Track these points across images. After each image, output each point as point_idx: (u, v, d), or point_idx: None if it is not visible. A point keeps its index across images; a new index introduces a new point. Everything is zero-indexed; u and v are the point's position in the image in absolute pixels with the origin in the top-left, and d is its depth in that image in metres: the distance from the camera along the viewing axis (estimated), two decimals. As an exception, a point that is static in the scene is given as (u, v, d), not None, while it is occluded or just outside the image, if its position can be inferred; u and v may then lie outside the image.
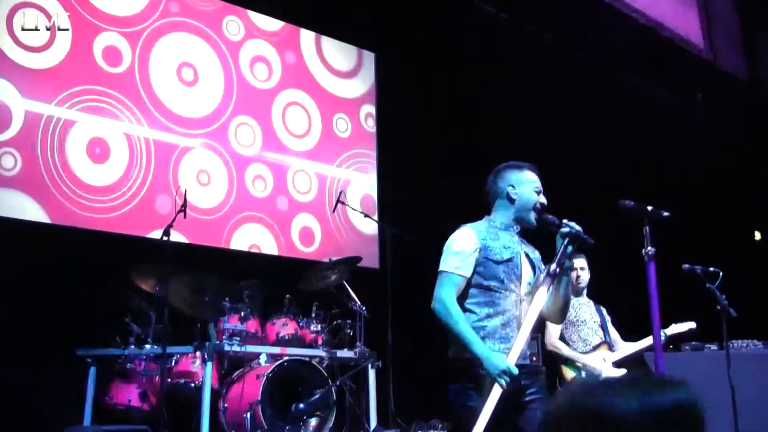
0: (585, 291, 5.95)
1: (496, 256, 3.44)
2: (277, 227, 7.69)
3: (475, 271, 3.44)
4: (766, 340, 6.36)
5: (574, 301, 5.82)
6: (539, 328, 5.84)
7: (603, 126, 9.03)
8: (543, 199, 3.56)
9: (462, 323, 3.30)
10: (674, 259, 5.13)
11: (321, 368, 5.82)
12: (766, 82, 9.73)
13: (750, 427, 5.14)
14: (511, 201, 3.55)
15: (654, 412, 1.13)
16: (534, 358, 6.46)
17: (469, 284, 3.44)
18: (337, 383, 5.85)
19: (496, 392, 3.14)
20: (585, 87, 8.60)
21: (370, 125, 8.70)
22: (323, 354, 6.04)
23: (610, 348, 5.83)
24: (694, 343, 6.13)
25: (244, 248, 7.36)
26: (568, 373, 5.76)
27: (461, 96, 8.75)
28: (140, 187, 6.78)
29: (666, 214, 3.38)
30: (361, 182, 8.46)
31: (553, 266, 3.27)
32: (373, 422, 6.17)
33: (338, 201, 7.06)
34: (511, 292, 3.45)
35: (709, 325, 5.65)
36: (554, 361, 5.81)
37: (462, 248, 3.45)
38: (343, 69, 8.68)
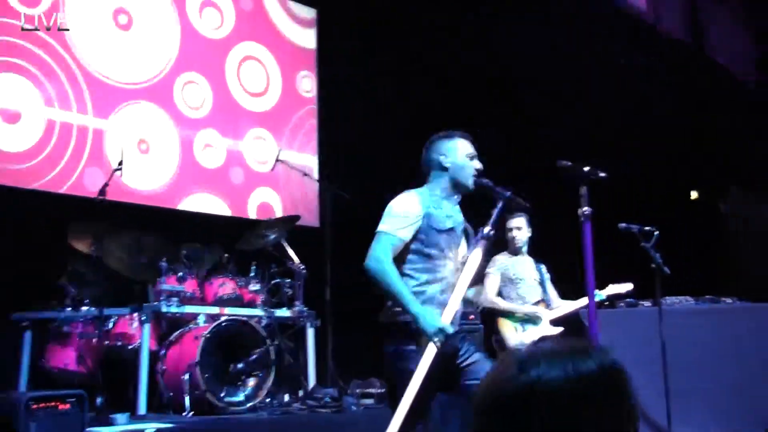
0: (525, 249, 6.08)
1: (439, 224, 3.52)
2: (230, 202, 7.62)
3: (416, 238, 3.49)
4: (699, 296, 6.65)
5: (513, 259, 6.00)
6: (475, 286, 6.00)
7: (542, 87, 9.17)
8: (477, 164, 3.62)
9: (398, 281, 3.36)
10: (613, 218, 5.32)
11: (260, 328, 5.87)
12: (708, 45, 9.97)
13: (680, 380, 5.40)
14: (444, 169, 3.62)
15: (582, 378, 1.17)
16: (472, 317, 6.70)
17: (407, 250, 3.49)
18: (276, 343, 5.92)
19: (430, 352, 3.22)
20: (525, 48, 8.70)
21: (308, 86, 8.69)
22: (262, 314, 6.10)
23: (548, 306, 5.99)
24: (628, 299, 6.36)
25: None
26: (506, 327, 5.89)
27: (406, 58, 8.77)
28: (63, 152, 6.43)
29: (603, 174, 3.48)
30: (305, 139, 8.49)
31: (487, 228, 3.37)
32: (312, 381, 6.28)
33: (277, 159, 7.09)
34: (450, 261, 3.55)
35: (644, 282, 5.86)
36: (492, 317, 5.96)
37: (405, 212, 3.49)
38: (307, 16, 8.58)
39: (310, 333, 6.39)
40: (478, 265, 3.40)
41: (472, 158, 3.61)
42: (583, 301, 5.90)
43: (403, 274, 3.45)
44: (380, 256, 3.39)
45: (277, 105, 8.23)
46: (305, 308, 6.38)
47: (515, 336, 5.80)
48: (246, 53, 8.01)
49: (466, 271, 3.38)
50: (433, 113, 7.66)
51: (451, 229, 3.56)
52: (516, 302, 5.92)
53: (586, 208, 3.46)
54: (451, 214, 3.59)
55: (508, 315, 5.90)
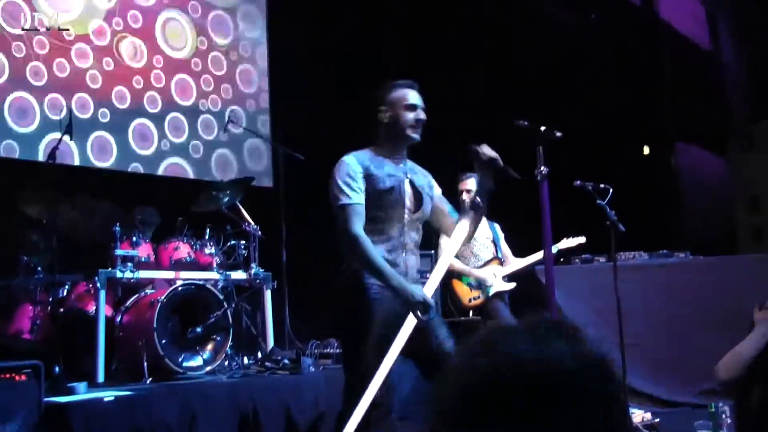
0: None
1: (379, 184, 3.49)
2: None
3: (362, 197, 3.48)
4: (653, 251, 6.83)
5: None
6: (433, 245, 6.07)
7: (496, 45, 9.23)
8: (421, 115, 3.57)
9: (375, 255, 3.36)
10: (568, 176, 5.42)
11: (216, 291, 5.90)
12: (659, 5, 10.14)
13: (634, 333, 5.56)
14: (384, 125, 3.58)
15: (588, 365, 1.05)
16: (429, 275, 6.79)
17: None
18: (233, 306, 5.96)
19: (410, 323, 3.24)
20: (480, 5, 8.77)
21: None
22: (218, 277, 6.10)
23: (501, 263, 6.15)
24: (584, 255, 6.51)
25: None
26: (460, 287, 6.11)
27: (358, 12, 8.75)
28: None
29: (559, 134, 3.53)
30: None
31: (478, 200, 3.40)
32: (270, 343, 6.33)
33: (228, 120, 7.07)
34: (395, 221, 3.52)
35: (600, 238, 5.98)
36: (446, 277, 6.01)
37: (351, 176, 3.46)
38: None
39: (267, 295, 6.42)
40: (465, 236, 3.43)
41: (412, 108, 3.55)
42: (536, 256, 6.04)
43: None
44: (355, 231, 3.38)
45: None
46: (261, 270, 6.41)
47: (468, 293, 6.04)
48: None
49: (452, 242, 3.39)
50: (390, 64, 7.67)
51: (392, 188, 3.52)
52: (470, 261, 6.05)
53: (542, 168, 3.50)
54: (393, 173, 3.55)
55: (461, 276, 6.06)
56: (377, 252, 3.38)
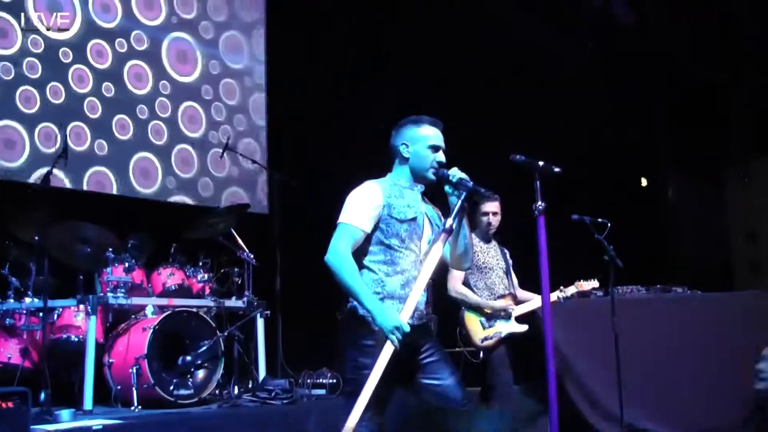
0: (494, 236, 6.01)
1: (399, 214, 3.49)
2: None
3: (377, 228, 3.48)
4: (649, 285, 6.80)
5: (482, 245, 5.88)
6: (441, 274, 5.94)
7: (495, 76, 9.29)
8: (441, 157, 3.58)
9: (354, 276, 3.34)
10: (565, 210, 5.42)
11: (209, 319, 5.88)
12: (657, 32, 10.19)
13: (632, 370, 5.53)
14: (405, 160, 3.59)
15: None
16: (427, 307, 6.73)
17: (369, 241, 3.48)
18: (225, 334, 5.93)
19: (387, 350, 3.20)
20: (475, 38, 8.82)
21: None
22: (211, 304, 6.10)
23: (515, 299, 5.88)
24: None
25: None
26: (472, 322, 5.78)
27: (358, 32, 8.80)
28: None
29: (557, 169, 3.50)
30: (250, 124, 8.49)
31: (450, 221, 3.39)
32: (262, 372, 6.29)
33: (226, 146, 7.06)
34: (412, 252, 3.51)
35: (596, 272, 5.94)
36: (457, 307, 5.83)
37: (366, 203, 3.46)
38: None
39: (260, 323, 6.38)
40: (438, 259, 3.40)
41: (435, 149, 3.56)
42: (553, 295, 5.88)
43: (363, 267, 3.45)
44: (340, 249, 3.36)
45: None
46: (255, 298, 6.38)
47: (481, 332, 5.73)
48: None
49: (426, 265, 3.36)
50: (386, 100, 7.68)
51: (413, 219, 3.52)
52: (483, 293, 5.80)
53: (540, 203, 3.48)
54: (413, 204, 3.56)
55: (475, 309, 5.78)
56: (356, 272, 3.36)
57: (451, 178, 3.44)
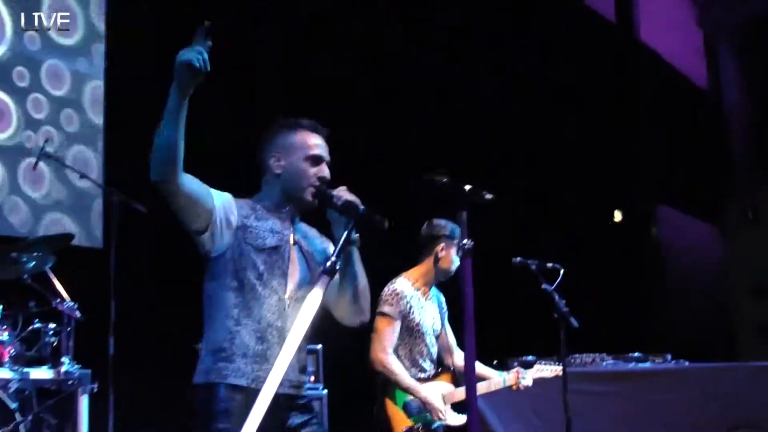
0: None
1: (257, 240, 3.50)
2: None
3: (225, 255, 3.48)
4: (622, 353, 6.83)
5: (421, 298, 5.75)
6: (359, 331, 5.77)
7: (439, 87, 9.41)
8: (324, 172, 3.60)
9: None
10: (518, 250, 5.44)
11: (5, 397, 5.71)
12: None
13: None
14: (276, 175, 3.61)
15: None
16: (312, 378, 6.65)
17: (216, 262, 3.50)
18: (29, 418, 5.79)
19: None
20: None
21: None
22: (11, 376, 5.87)
23: (454, 378, 5.79)
24: (525, 357, 6.46)
25: None
26: (392, 410, 5.65)
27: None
28: None
29: (489, 196, 3.52)
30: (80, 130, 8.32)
31: (332, 259, 3.33)
32: (85, 472, 6.14)
33: (42, 154, 6.87)
34: (273, 293, 3.50)
35: (551, 334, 5.94)
36: (378, 381, 5.69)
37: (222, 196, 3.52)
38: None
39: (84, 402, 6.21)
40: (315, 308, 3.32)
41: (316, 162, 3.60)
42: (497, 384, 5.83)
43: (213, 304, 3.48)
44: None
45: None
46: (77, 366, 6.22)
47: (404, 421, 5.58)
48: None
49: (301, 316, 3.30)
50: (263, 98, 7.65)
51: (274, 249, 3.54)
52: (409, 368, 5.66)
53: (465, 240, 3.49)
54: (278, 230, 3.58)
55: (396, 392, 5.63)
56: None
57: (335, 200, 3.44)
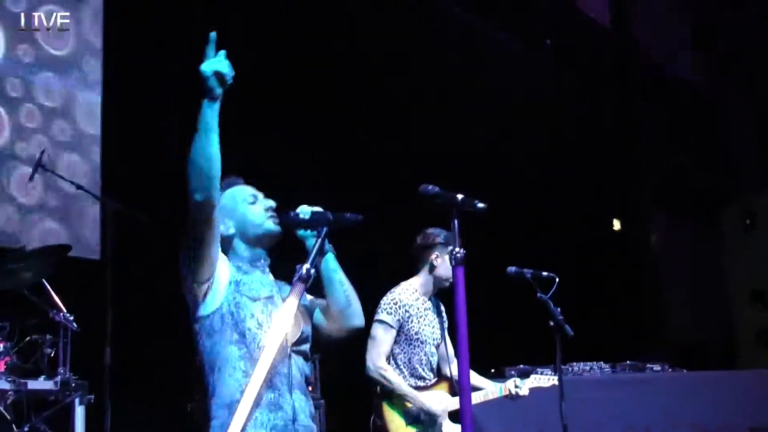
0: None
1: (251, 291, 3.54)
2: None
3: (223, 312, 3.48)
4: (620, 360, 6.84)
5: (421, 307, 5.80)
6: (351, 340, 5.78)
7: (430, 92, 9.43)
8: (268, 202, 3.68)
9: None
10: (512, 260, 5.45)
11: (2, 407, 5.71)
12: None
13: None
14: (232, 236, 3.67)
15: None
16: (311, 388, 6.64)
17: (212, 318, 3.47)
18: (26, 429, 5.79)
19: None
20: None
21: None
22: (7, 386, 5.88)
23: (452, 387, 5.80)
24: (521, 366, 6.48)
25: None
26: (391, 412, 5.69)
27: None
28: None
29: (481, 205, 3.52)
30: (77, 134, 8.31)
31: (306, 267, 3.28)
32: (81, 482, 6.14)
33: (38, 164, 6.89)
34: (281, 343, 3.46)
35: (545, 343, 5.96)
36: (374, 389, 5.72)
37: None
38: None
39: (80, 412, 6.22)
40: (291, 316, 3.31)
41: (254, 200, 3.69)
42: (493, 393, 5.87)
43: (216, 360, 3.45)
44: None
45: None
46: (73, 377, 6.23)
47: (402, 429, 5.64)
48: None
49: (274, 330, 3.31)
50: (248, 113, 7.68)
51: (270, 298, 3.59)
52: (407, 377, 5.72)
53: (458, 249, 3.49)
54: (266, 283, 3.65)
55: (395, 400, 5.67)
56: None
57: (301, 216, 3.52)
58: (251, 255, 3.67)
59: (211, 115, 3.20)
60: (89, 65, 8.50)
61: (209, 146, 3.21)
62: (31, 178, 7.20)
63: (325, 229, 3.40)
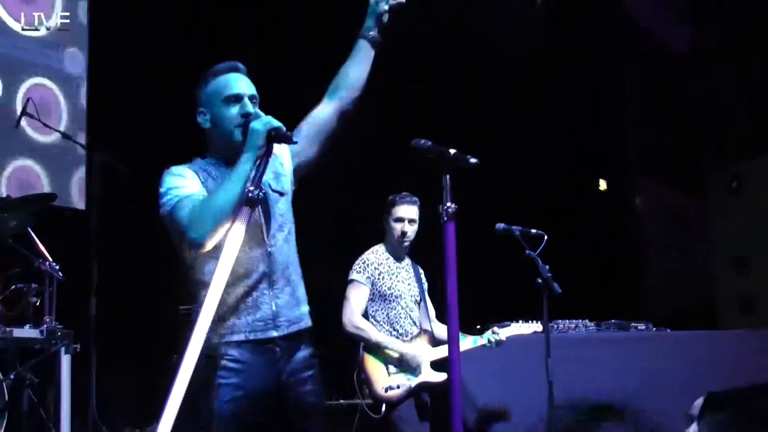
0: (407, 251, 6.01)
1: None
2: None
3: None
4: (603, 319, 6.90)
5: (392, 265, 5.90)
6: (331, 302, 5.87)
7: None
8: (246, 107, 3.48)
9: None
10: (499, 218, 5.49)
11: (-13, 355, 5.71)
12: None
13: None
14: (206, 131, 3.55)
15: None
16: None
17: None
18: (12, 377, 5.82)
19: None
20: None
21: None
22: (-7, 334, 5.90)
23: (432, 339, 5.86)
24: (505, 322, 6.52)
25: None
26: (373, 365, 5.75)
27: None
28: None
29: (473, 160, 3.50)
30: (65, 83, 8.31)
31: (250, 188, 3.18)
32: (66, 429, 6.16)
33: (24, 112, 6.88)
34: (256, 241, 3.43)
35: (533, 300, 5.99)
36: (355, 344, 5.81)
37: (175, 175, 3.43)
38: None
39: (65, 361, 6.24)
40: (239, 244, 3.23)
41: (233, 101, 3.49)
42: (471, 342, 5.91)
43: (195, 286, 3.40)
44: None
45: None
46: (59, 326, 6.25)
47: (385, 379, 5.68)
48: None
49: (224, 256, 3.18)
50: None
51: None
52: (383, 329, 5.79)
53: (449, 204, 3.48)
54: None
55: (377, 348, 5.75)
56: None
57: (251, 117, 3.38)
58: (225, 157, 3.49)
59: (251, 167, 3.19)
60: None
61: (237, 195, 3.17)
62: (17, 124, 7.20)
63: (266, 138, 3.26)
